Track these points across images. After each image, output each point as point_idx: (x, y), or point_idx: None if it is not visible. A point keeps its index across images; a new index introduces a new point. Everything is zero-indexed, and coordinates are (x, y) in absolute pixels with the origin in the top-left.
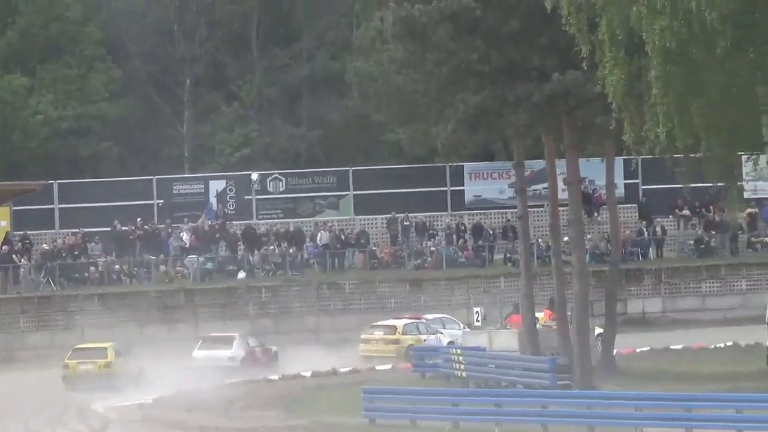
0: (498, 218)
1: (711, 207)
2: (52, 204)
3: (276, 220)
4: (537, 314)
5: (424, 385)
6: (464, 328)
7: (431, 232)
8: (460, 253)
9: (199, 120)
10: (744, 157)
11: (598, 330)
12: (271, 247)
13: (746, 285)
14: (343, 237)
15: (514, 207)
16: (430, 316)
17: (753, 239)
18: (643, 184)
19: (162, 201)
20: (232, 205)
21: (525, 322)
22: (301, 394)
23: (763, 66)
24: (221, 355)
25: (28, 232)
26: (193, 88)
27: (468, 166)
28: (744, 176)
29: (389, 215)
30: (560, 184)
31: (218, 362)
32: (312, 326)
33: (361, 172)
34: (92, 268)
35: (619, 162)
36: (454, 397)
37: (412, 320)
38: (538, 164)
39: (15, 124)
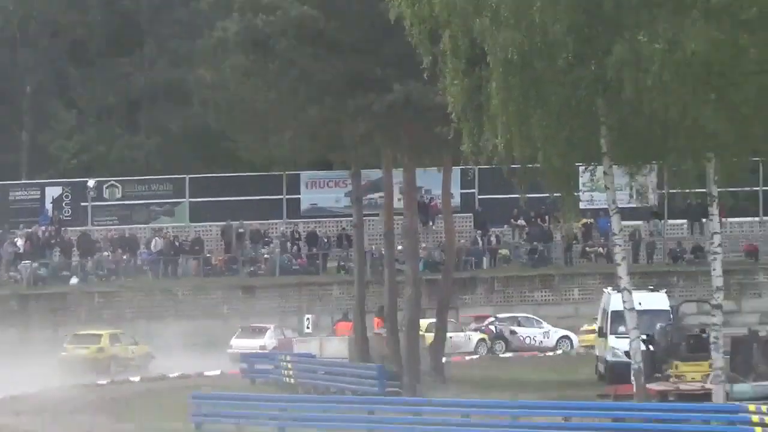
0: (333, 226)
1: (546, 217)
2: None
3: (111, 227)
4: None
5: (254, 391)
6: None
7: (266, 239)
8: (294, 261)
9: (38, 127)
10: (581, 168)
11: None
12: (105, 253)
13: (579, 294)
14: (177, 244)
15: (350, 215)
16: (501, 316)
17: (587, 249)
18: (479, 194)
19: None
20: (68, 212)
21: (356, 329)
22: (132, 398)
23: (603, 78)
24: (253, 344)
25: None
26: (34, 95)
27: (305, 175)
28: (581, 187)
29: (224, 223)
30: (396, 194)
31: (250, 350)
32: (143, 332)
33: (197, 180)
34: None
35: (456, 172)
36: (282, 403)
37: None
38: (375, 173)
39: None
